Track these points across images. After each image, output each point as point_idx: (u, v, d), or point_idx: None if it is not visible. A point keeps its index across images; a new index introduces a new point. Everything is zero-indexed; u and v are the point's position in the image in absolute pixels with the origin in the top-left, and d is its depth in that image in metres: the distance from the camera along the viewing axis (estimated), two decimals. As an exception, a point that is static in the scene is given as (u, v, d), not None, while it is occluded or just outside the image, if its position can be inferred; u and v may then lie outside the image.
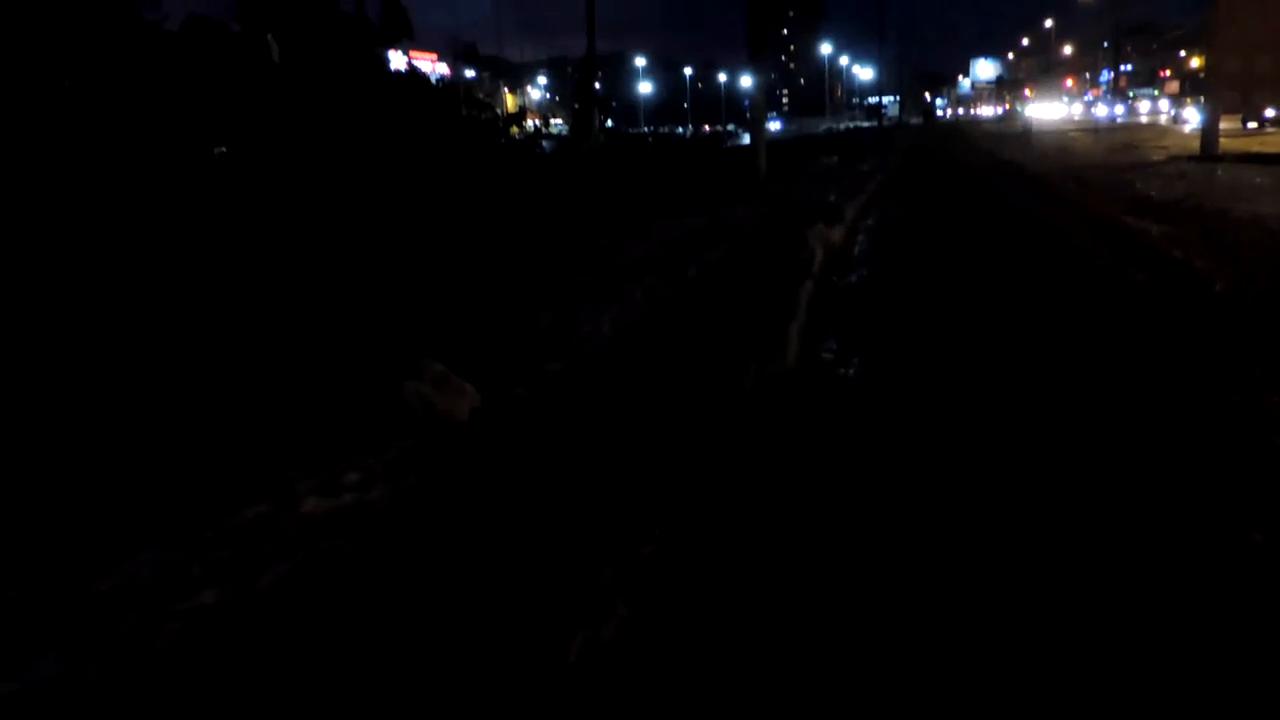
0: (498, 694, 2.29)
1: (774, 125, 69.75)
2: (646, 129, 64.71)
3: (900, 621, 2.70)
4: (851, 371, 5.43)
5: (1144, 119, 48.32)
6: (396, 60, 9.45)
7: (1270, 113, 26.95)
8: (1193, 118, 28.55)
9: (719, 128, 73.50)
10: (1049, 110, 74.18)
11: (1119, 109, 59.34)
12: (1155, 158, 20.41)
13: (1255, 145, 21.11)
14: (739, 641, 2.62)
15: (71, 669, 2.30)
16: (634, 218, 11.69)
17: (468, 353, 5.17)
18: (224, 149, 6.58)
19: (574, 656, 2.45)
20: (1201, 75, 32.45)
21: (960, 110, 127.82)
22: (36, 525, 3.07)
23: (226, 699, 2.28)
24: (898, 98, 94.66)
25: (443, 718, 2.23)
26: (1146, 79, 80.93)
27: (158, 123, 5.32)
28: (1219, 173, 15.75)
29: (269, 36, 6.29)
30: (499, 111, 9.55)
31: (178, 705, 2.26)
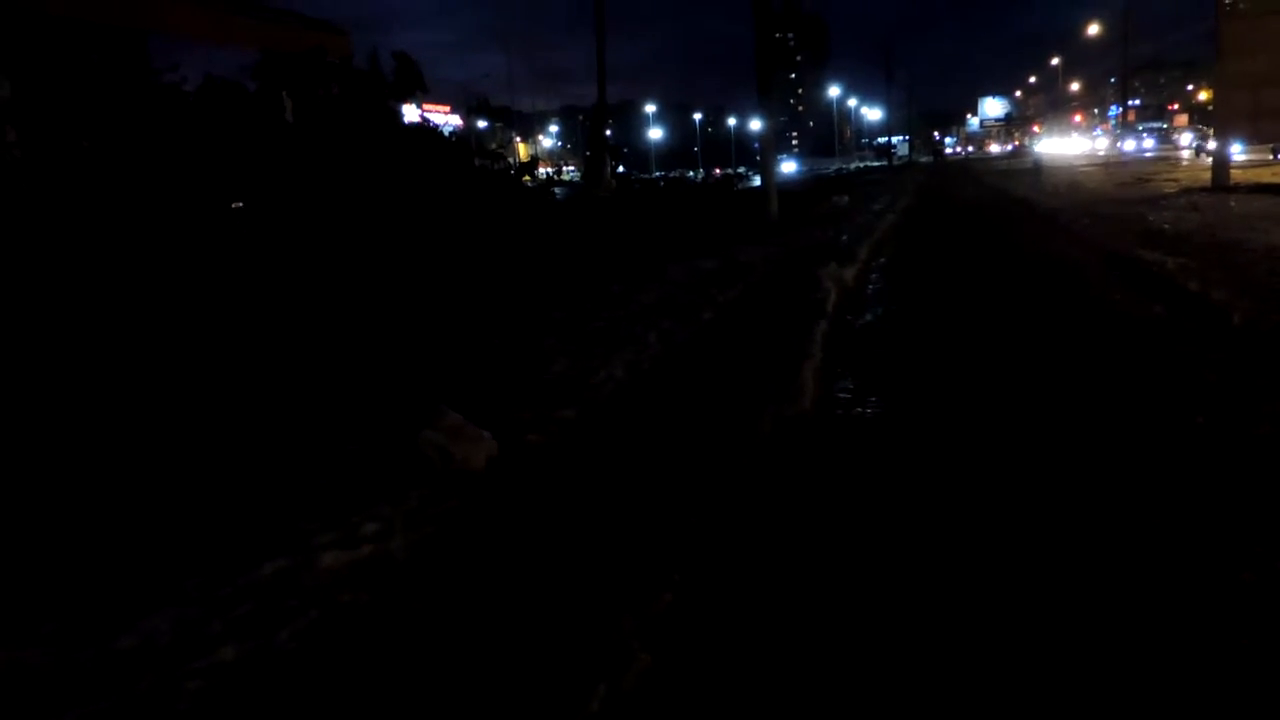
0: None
1: (788, 166, 70.10)
2: (658, 174, 65.29)
3: (914, 670, 2.66)
4: (869, 412, 5.41)
5: (1184, 153, 42.85)
6: (410, 113, 9.61)
7: None
8: (1232, 150, 27.94)
9: (730, 170, 74.06)
10: (1067, 145, 72.55)
11: (1149, 142, 54.44)
12: (1167, 190, 20.41)
13: (1267, 176, 21.10)
14: (760, 687, 2.58)
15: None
16: (647, 261, 11.75)
17: (483, 400, 5.18)
18: (241, 204, 6.69)
19: (597, 706, 2.41)
20: (1209, 108, 32.59)
21: (970, 148, 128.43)
22: (57, 584, 3.07)
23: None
24: (907, 137, 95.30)
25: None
26: (1155, 113, 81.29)
27: (175, 180, 5.41)
28: (1232, 204, 15.72)
29: (283, 94, 6.41)
30: (511, 160, 9.68)
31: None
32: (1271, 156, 27.72)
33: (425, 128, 7.71)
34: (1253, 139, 21.82)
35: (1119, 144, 53.44)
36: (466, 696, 2.47)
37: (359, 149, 6.29)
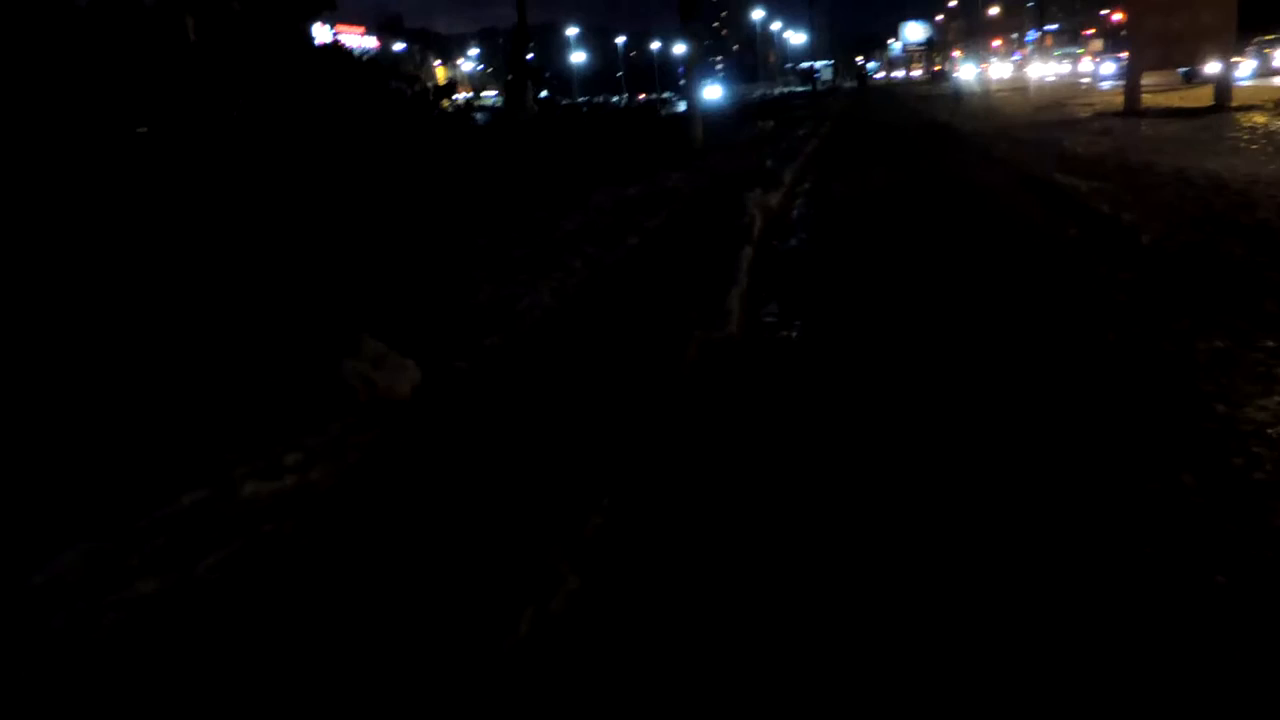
0: (451, 668, 2.26)
1: (713, 92, 69.38)
2: (581, 99, 64.09)
3: (847, 598, 2.73)
4: (794, 335, 5.46)
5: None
6: (323, 35, 9.21)
7: None
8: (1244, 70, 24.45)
9: (655, 96, 73.12)
10: (988, 70, 70.25)
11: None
12: (1081, 115, 20.78)
13: (1176, 100, 21.61)
14: (688, 604, 2.63)
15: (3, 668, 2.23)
16: (571, 188, 11.60)
17: (407, 328, 5.09)
18: (144, 129, 6.36)
19: (525, 628, 2.43)
20: (1123, 33, 32.99)
21: (894, 73, 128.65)
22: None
23: (169, 690, 2.23)
24: (831, 62, 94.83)
25: (392, 697, 2.20)
26: (1072, 37, 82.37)
27: (67, 101, 5.10)
28: (1143, 128, 16.08)
29: (184, 11, 6.07)
30: (429, 85, 9.37)
31: (118, 699, 2.20)
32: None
33: (337, 49, 7.40)
34: (1164, 64, 22.24)
35: (1097, 67, 40.75)
36: (394, 622, 2.47)
37: (266, 71, 6.01)
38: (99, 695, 2.21)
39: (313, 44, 7.92)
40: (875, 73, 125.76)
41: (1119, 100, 21.11)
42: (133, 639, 2.40)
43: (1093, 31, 78.50)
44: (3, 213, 4.35)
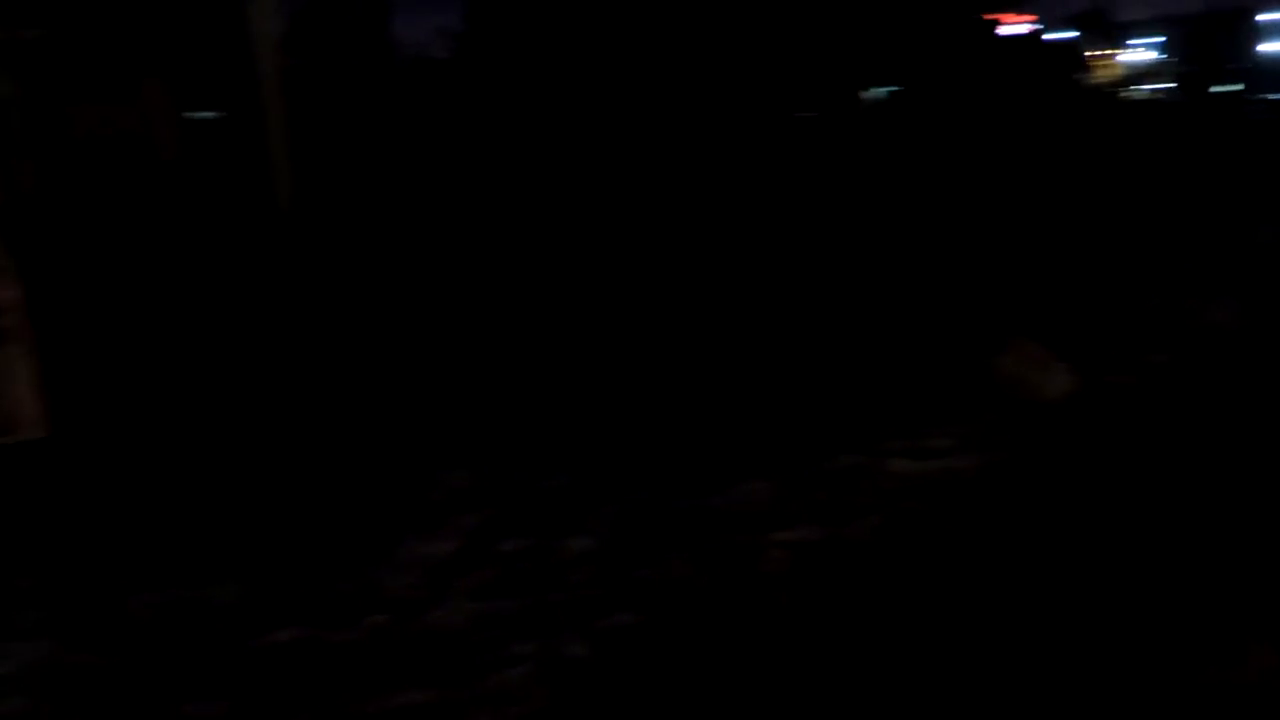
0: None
1: None
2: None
3: None
4: None
5: None
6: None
7: None
8: None
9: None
10: None
11: None
12: None
13: None
14: None
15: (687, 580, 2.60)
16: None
17: (1062, 334, 4.86)
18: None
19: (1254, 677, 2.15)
20: None
21: None
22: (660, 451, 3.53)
23: (821, 631, 2.38)
24: None
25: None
26: None
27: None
28: None
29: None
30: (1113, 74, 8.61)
31: (782, 626, 2.42)
32: None
33: (1032, 37, 7.17)
34: None
35: None
36: (1026, 636, 2.32)
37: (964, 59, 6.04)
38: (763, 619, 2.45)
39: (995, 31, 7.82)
40: None
41: None
42: (793, 576, 2.63)
43: None
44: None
